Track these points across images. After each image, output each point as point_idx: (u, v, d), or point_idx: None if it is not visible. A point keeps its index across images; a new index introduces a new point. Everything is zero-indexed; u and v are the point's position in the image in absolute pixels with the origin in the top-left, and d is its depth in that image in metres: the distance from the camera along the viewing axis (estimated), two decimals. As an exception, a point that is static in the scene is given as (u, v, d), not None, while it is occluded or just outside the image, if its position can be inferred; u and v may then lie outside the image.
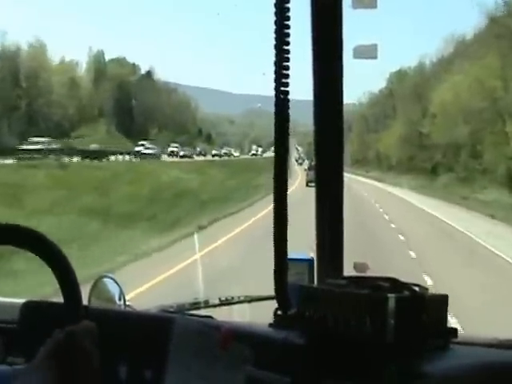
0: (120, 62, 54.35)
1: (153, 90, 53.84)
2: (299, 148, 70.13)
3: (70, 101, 44.75)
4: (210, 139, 64.02)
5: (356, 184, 34.71)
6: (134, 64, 56.22)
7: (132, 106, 51.52)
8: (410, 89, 46.79)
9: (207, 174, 32.25)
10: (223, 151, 56.46)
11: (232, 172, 34.52)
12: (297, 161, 60.82)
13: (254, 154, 60.77)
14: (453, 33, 57.21)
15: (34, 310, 1.53)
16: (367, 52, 1.56)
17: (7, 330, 1.50)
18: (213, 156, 51.17)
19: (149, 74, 57.20)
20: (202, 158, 48.39)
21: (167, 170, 30.68)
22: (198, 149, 53.08)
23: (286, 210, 1.26)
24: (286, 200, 1.26)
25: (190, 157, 44.44)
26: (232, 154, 57.80)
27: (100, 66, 51.13)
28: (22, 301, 1.56)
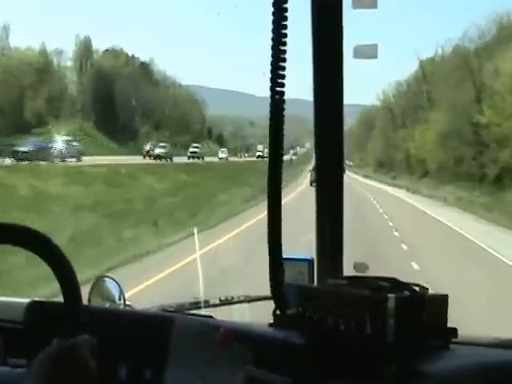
0: (115, 52, 48.17)
1: (149, 83, 47.99)
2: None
3: (40, 91, 37.79)
4: (222, 140, 58.25)
5: (378, 197, 25.98)
6: (132, 55, 49.55)
7: (118, 100, 44.33)
8: (455, 66, 32.39)
9: (140, 182, 22.55)
10: (192, 149, 38.82)
11: (200, 179, 24.95)
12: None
13: (259, 156, 46.59)
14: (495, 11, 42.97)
15: (37, 310, 1.54)
16: (367, 52, 1.55)
17: (10, 330, 1.50)
18: (155, 158, 32.76)
19: (144, 65, 50.25)
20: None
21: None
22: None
23: (279, 210, 1.23)
24: (279, 200, 1.23)
25: (63, 160, 25.87)
26: (210, 154, 40.92)
27: (87, 55, 44.75)
28: (26, 300, 1.56)
